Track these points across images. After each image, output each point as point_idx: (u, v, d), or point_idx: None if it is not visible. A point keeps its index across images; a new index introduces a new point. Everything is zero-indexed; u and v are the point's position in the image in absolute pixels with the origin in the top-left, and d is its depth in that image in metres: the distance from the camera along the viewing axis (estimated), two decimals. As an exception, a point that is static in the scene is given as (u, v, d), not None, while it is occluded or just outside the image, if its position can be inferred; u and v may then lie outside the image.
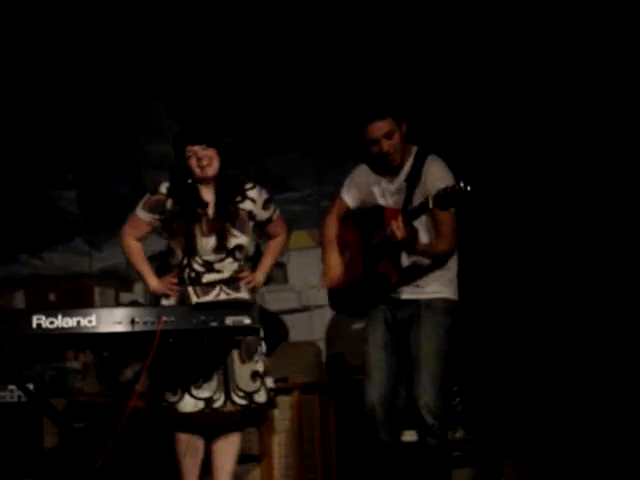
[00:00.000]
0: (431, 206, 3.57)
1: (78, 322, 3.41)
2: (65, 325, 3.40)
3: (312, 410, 4.71)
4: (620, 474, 4.28)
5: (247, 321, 3.52)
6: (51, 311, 3.42)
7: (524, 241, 4.95)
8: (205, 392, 3.86)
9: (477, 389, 4.84)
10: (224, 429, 3.92)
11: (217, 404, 3.86)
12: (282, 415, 4.56)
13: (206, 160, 3.94)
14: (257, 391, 3.93)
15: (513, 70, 5.13)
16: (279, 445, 4.53)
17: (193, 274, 3.96)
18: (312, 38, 5.50)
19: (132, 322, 3.44)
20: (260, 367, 3.95)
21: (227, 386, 3.88)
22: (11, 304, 5.61)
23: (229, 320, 3.50)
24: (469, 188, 3.47)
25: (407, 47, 5.28)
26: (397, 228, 3.66)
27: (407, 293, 3.93)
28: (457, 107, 5.15)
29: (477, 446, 4.61)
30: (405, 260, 3.90)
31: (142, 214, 4.02)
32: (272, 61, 5.56)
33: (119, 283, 5.57)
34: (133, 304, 5.31)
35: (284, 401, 4.58)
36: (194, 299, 3.94)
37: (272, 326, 4.97)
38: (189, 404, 3.86)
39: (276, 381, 4.76)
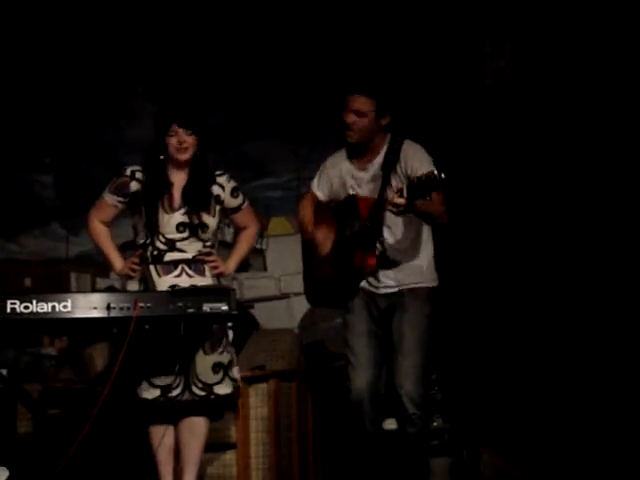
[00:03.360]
0: (438, 178, 3.43)
1: (53, 307, 3.39)
2: (40, 310, 3.39)
3: (289, 397, 4.68)
4: (598, 462, 4.29)
5: (224, 308, 3.51)
6: (26, 296, 3.40)
7: (504, 228, 4.94)
8: (163, 380, 3.83)
9: (455, 378, 4.84)
10: (184, 416, 3.87)
11: (174, 393, 3.83)
12: (259, 402, 4.54)
13: (185, 144, 3.95)
14: (218, 383, 3.88)
15: (495, 56, 5.12)
16: (256, 432, 4.51)
17: (155, 252, 3.93)
18: (293, 24, 5.46)
19: (108, 308, 3.43)
20: (225, 358, 3.91)
21: (187, 376, 3.85)
22: (-15, 289, 5.55)
23: (206, 307, 3.49)
24: (443, 176, 3.43)
25: (389, 33, 5.25)
26: (398, 197, 3.56)
27: (388, 282, 3.91)
28: (439, 93, 5.13)
29: (455, 435, 4.61)
30: (383, 245, 3.87)
31: (108, 197, 4.02)
32: (253, 45, 5.53)
33: (95, 268, 5.53)
34: (109, 290, 5.26)
35: (261, 388, 4.56)
36: (155, 278, 3.90)
37: (243, 316, 4.93)
38: (145, 391, 3.84)
39: (253, 368, 4.76)
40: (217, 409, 3.96)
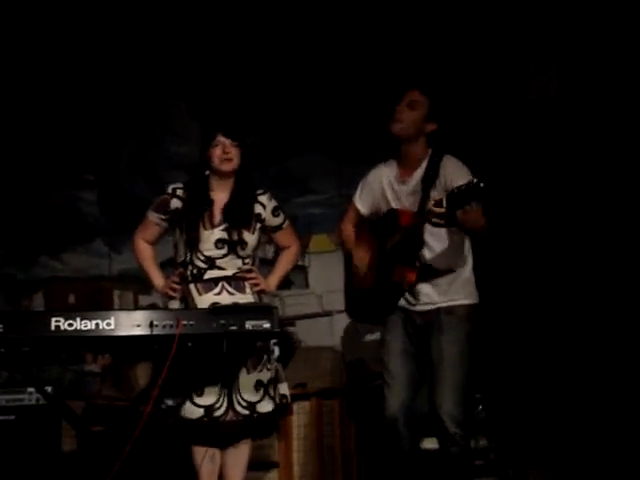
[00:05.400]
0: (478, 186, 3.40)
1: (97, 324, 3.39)
2: (84, 327, 3.38)
3: (332, 416, 4.65)
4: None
5: (267, 325, 3.49)
6: (70, 313, 3.40)
7: (549, 242, 4.88)
8: (206, 399, 3.81)
9: (500, 397, 4.77)
10: (229, 439, 3.86)
11: (217, 413, 3.80)
12: (301, 421, 4.52)
13: (230, 155, 3.95)
14: (260, 401, 3.86)
15: (540, 72, 5.08)
16: (298, 452, 4.49)
17: (195, 270, 3.93)
18: (339, 42, 5.46)
19: (151, 325, 3.41)
20: (265, 376, 3.88)
21: (230, 395, 3.83)
22: (30, 306, 5.60)
23: (249, 324, 3.47)
24: (482, 185, 3.39)
25: (435, 51, 5.23)
26: (438, 206, 3.52)
27: (425, 299, 3.88)
28: (484, 109, 5.10)
29: (500, 455, 4.55)
30: (422, 259, 3.84)
31: (150, 215, 4.04)
32: (297, 62, 5.53)
33: (138, 286, 5.54)
34: (152, 307, 5.28)
35: (303, 407, 4.53)
36: (195, 296, 3.90)
37: (283, 334, 4.92)
38: (189, 411, 3.82)
39: (295, 386, 4.74)
40: (261, 429, 3.94)
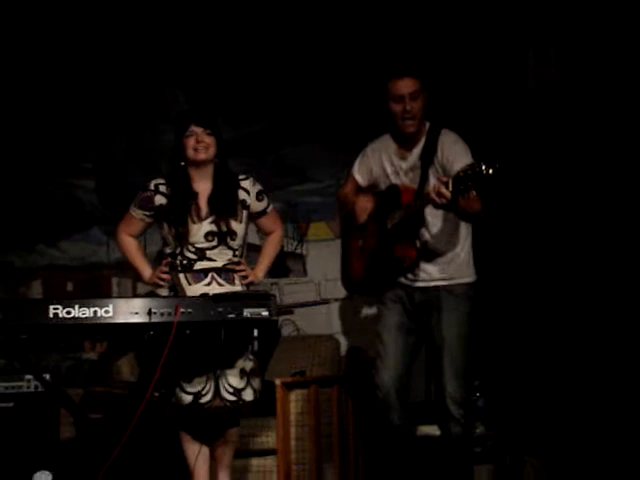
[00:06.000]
0: (484, 172, 3.40)
1: (95, 312, 3.40)
2: (82, 315, 3.39)
3: (330, 404, 4.65)
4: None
5: (265, 313, 3.50)
6: (68, 301, 3.41)
7: (548, 229, 4.88)
8: (195, 386, 3.81)
9: (498, 385, 4.78)
10: (218, 425, 3.87)
11: (205, 399, 3.81)
12: (299, 409, 4.52)
13: (203, 145, 3.93)
14: (244, 389, 3.88)
15: (538, 62, 5.07)
16: (296, 439, 4.49)
17: (185, 261, 3.93)
18: (334, 31, 5.45)
19: (149, 313, 3.42)
20: (248, 365, 3.89)
21: (217, 381, 3.84)
22: (28, 294, 5.60)
23: (247, 312, 3.48)
24: (491, 171, 3.38)
25: (434, 39, 5.22)
26: (443, 191, 3.51)
27: (424, 275, 3.88)
28: (482, 98, 5.09)
29: (498, 442, 4.55)
30: (422, 238, 3.84)
31: (134, 211, 4.03)
32: (294, 50, 5.52)
33: (136, 273, 5.54)
34: (150, 295, 5.28)
35: (302, 394, 4.54)
36: (185, 286, 3.89)
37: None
38: (179, 397, 3.83)
39: (293, 374, 4.75)
40: (242, 416, 3.95)
